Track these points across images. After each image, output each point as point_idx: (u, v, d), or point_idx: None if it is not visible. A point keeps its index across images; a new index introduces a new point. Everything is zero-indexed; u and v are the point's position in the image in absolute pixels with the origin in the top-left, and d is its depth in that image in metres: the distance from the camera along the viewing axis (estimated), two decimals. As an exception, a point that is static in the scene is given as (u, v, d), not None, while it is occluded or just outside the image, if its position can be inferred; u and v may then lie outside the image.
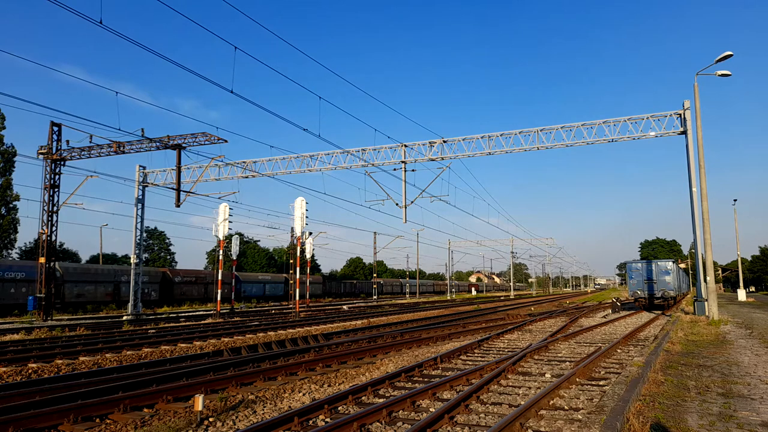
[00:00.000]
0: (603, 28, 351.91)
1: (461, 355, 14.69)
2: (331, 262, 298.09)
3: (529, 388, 10.02)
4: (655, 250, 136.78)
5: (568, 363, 13.01)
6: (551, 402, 8.67)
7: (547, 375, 11.37)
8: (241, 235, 64.26)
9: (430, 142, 29.69)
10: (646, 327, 22.69)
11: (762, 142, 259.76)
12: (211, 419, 8.09)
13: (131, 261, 33.70)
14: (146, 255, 77.15)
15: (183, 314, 36.09)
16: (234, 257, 37.75)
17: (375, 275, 71.99)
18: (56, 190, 29.33)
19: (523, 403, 8.50)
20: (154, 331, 22.98)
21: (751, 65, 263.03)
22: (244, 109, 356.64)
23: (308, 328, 23.48)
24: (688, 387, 9.07)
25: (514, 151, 28.42)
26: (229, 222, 33.49)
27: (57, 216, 29.31)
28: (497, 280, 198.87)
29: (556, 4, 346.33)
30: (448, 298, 78.83)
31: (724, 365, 11.43)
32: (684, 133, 25.45)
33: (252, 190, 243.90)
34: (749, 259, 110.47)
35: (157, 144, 28.67)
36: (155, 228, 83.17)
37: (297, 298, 33.56)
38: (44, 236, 28.90)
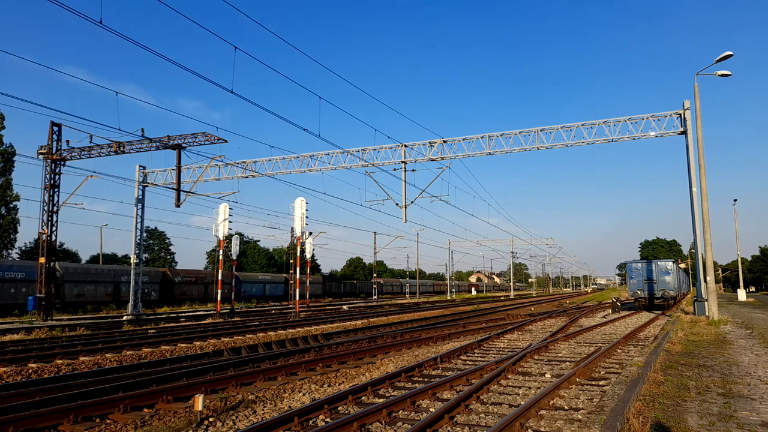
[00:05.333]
0: (603, 28, 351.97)
1: (461, 355, 14.69)
2: (331, 262, 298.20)
3: (529, 388, 10.02)
4: (655, 250, 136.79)
5: (568, 363, 13.01)
6: (551, 402, 8.67)
7: (547, 375, 11.37)
8: (241, 235, 64.25)
9: (430, 142, 29.69)
10: (646, 327, 22.69)
11: (762, 142, 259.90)
12: (211, 419, 8.09)
13: (131, 261, 33.69)
14: (146, 255, 77.12)
15: (183, 314, 36.09)
16: (234, 257, 37.75)
17: (375, 275, 71.97)
18: (56, 190, 29.32)
19: (523, 403, 8.50)
20: (154, 331, 22.98)
21: (751, 65, 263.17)
22: (245, 109, 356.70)
23: (308, 328, 23.48)
24: (688, 387, 9.07)
25: (514, 151, 28.42)
26: (229, 222, 33.48)
27: (57, 216, 29.32)
28: (497, 280, 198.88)
29: (556, 4, 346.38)
30: (448, 298, 78.82)
31: (724, 365, 11.43)
32: (684, 133, 25.45)
33: (252, 190, 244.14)
34: (749, 259, 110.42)
35: (157, 144, 28.67)
36: (155, 228, 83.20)
37: (297, 298, 33.55)
38: (44, 236, 28.90)
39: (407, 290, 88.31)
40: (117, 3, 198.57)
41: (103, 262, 64.92)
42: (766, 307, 38.37)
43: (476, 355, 14.87)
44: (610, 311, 35.29)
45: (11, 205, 46.05)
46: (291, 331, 22.49)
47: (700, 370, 10.87)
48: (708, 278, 24.24)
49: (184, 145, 28.75)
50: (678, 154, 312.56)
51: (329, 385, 10.87)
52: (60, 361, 14.21)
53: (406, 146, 30.07)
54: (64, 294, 38.98)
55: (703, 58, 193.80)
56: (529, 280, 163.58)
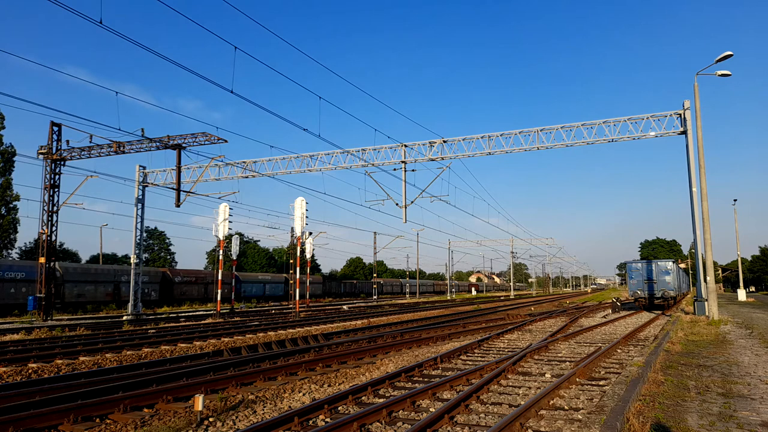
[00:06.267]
0: (603, 28, 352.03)
1: (461, 355, 14.69)
2: (331, 262, 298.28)
3: (529, 388, 10.01)
4: (655, 250, 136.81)
5: (568, 363, 13.01)
6: (551, 402, 8.67)
7: (547, 375, 11.36)
8: (241, 235, 64.24)
9: (430, 142, 29.68)
10: (646, 327, 22.69)
11: (762, 142, 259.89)
12: (211, 419, 8.09)
13: (131, 261, 33.68)
14: (146, 255, 77.12)
15: (183, 314, 36.09)
16: (234, 257, 37.74)
17: (375, 275, 71.97)
18: (56, 190, 29.31)
19: (523, 403, 8.50)
20: (154, 331, 22.98)
21: (751, 65, 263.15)
22: (245, 109, 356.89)
23: (308, 328, 23.48)
24: (688, 387, 9.07)
25: (514, 151, 28.42)
26: (229, 222, 33.48)
27: (57, 216, 29.31)
28: (497, 280, 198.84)
29: (556, 4, 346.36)
30: (448, 298, 78.82)
31: (724, 365, 11.43)
32: (684, 133, 25.45)
33: (252, 190, 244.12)
34: (749, 259, 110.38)
35: (157, 144, 28.66)
36: (155, 228, 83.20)
37: (297, 298, 33.55)
38: (44, 236, 28.89)
39: (407, 290, 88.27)
40: (117, 3, 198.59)
41: (103, 262, 64.91)
42: (766, 307, 38.37)
43: (476, 355, 14.87)
44: (610, 311, 35.28)
45: (11, 205, 46.05)
46: (291, 331, 22.49)
47: (700, 370, 10.87)
48: (708, 278, 24.23)
49: (184, 145, 28.75)
50: (678, 154, 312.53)
51: (329, 385, 10.87)
52: (60, 361, 14.21)
53: (406, 146, 30.07)
54: (64, 294, 38.97)
55: (703, 58, 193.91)
56: (529, 280, 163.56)
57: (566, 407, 8.34)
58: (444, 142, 29.34)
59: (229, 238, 37.88)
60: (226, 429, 7.64)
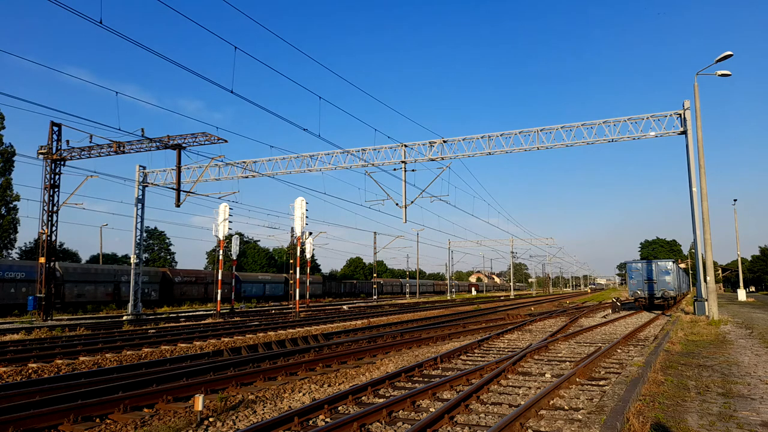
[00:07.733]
0: (603, 28, 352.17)
1: (461, 355, 14.69)
2: (331, 262, 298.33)
3: (529, 388, 10.01)
4: (655, 250, 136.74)
5: (568, 363, 13.01)
6: (551, 402, 8.67)
7: (547, 375, 11.36)
8: (241, 235, 64.20)
9: (430, 142, 29.68)
10: (646, 327, 22.69)
11: (762, 142, 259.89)
12: (211, 419, 8.09)
13: (131, 261, 33.68)
14: (146, 255, 77.09)
15: (183, 314, 36.09)
16: (234, 257, 37.74)
17: (375, 275, 71.97)
18: (56, 190, 29.31)
19: (523, 403, 8.49)
20: (154, 331, 22.98)
21: (751, 65, 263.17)
22: (245, 109, 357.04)
23: (308, 328, 23.48)
24: (688, 387, 9.07)
25: (514, 151, 28.42)
26: (229, 222, 33.47)
27: (57, 216, 29.31)
28: (497, 280, 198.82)
29: (555, 3, 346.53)
30: (448, 298, 78.80)
31: (724, 365, 11.43)
32: (684, 133, 25.45)
33: (252, 190, 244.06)
34: (749, 259, 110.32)
35: (157, 144, 28.66)
36: (155, 228, 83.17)
37: (297, 298, 33.55)
38: (44, 236, 28.89)
39: (407, 290, 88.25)
40: (117, 3, 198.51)
41: (103, 262, 64.89)
42: (766, 307, 38.37)
43: (476, 355, 14.87)
44: (610, 311, 35.27)
45: (11, 205, 46.07)
46: (291, 331, 22.49)
47: (700, 370, 10.87)
48: (708, 278, 24.23)
49: (184, 145, 28.75)
50: (678, 154, 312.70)
51: (329, 385, 10.87)
52: (60, 361, 14.21)
53: (406, 146, 30.06)
54: (64, 294, 38.96)
55: (703, 58, 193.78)
56: (529, 280, 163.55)
57: (566, 407, 8.34)
58: (444, 142, 29.34)
59: (229, 238, 37.88)
60: (226, 429, 7.64)
